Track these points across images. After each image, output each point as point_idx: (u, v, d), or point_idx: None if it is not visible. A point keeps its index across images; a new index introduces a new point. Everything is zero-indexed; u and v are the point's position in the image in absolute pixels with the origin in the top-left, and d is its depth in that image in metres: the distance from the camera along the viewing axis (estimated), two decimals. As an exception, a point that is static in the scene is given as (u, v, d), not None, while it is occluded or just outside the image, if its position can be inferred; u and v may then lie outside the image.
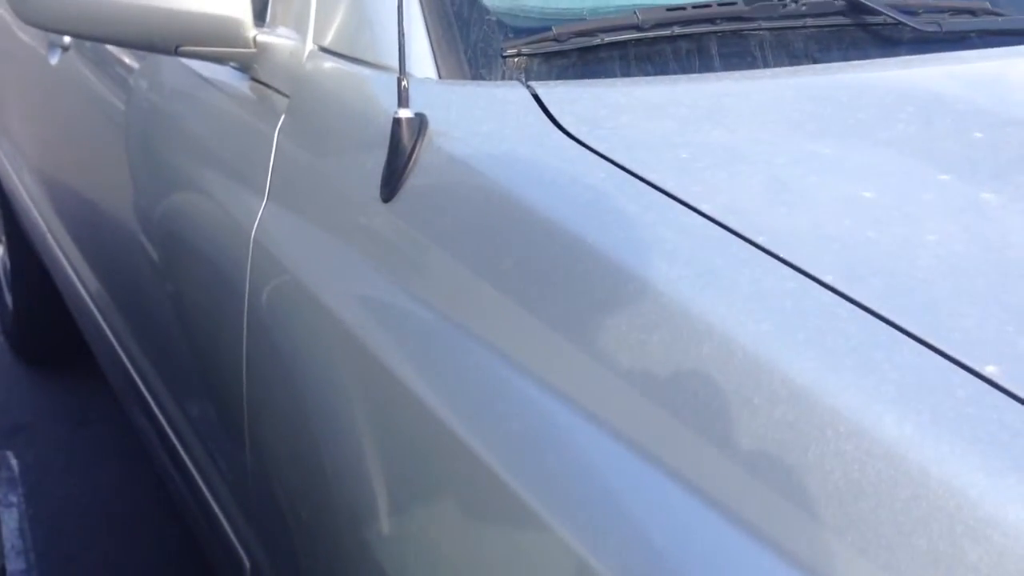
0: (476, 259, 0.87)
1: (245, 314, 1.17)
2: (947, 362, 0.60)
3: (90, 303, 1.94)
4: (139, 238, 1.59)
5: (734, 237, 0.73)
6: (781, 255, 0.70)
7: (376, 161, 1.00)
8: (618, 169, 0.83)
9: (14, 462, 2.46)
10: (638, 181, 0.81)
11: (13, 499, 2.38)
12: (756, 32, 1.06)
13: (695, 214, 0.76)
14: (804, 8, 1.07)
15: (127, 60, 1.67)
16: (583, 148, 0.87)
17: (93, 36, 1.22)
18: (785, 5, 1.06)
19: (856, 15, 1.08)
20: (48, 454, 2.52)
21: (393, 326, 0.94)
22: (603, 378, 0.73)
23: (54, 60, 1.88)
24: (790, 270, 0.69)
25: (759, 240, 0.72)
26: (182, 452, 1.50)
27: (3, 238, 2.95)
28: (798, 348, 0.63)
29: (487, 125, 0.94)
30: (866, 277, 0.68)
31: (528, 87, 0.97)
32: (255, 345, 1.16)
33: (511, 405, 0.77)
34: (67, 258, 2.06)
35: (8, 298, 2.93)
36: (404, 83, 0.95)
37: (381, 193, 0.97)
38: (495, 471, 0.75)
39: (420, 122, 0.96)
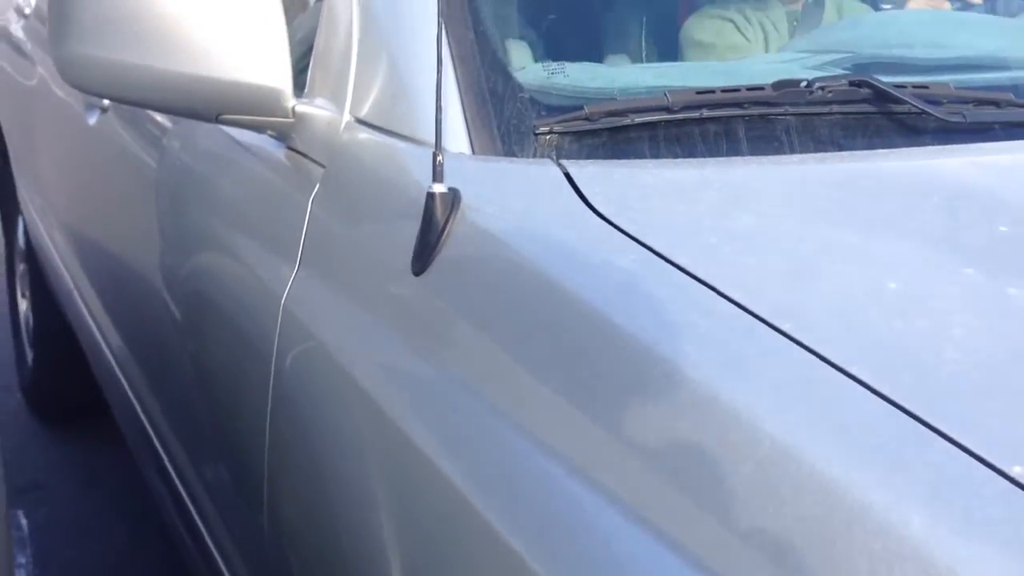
0: (505, 336, 0.88)
1: (271, 380, 1.18)
2: (975, 461, 0.61)
3: (112, 361, 1.95)
4: (164, 297, 1.61)
5: (762, 325, 0.74)
6: (809, 345, 0.71)
7: (408, 234, 1.01)
8: (648, 252, 0.85)
9: (24, 522, 2.45)
10: (668, 264, 0.83)
11: (22, 560, 2.36)
12: (783, 117, 1.08)
13: (724, 300, 0.77)
14: (830, 95, 1.09)
15: (162, 122, 1.70)
16: (614, 229, 0.89)
17: (136, 102, 1.26)
18: (812, 92, 1.08)
19: (881, 103, 1.10)
20: (59, 514, 2.52)
21: (420, 400, 0.95)
22: (629, 462, 0.73)
23: (92, 120, 1.93)
24: (817, 360, 0.70)
25: (786, 328, 0.73)
26: (195, 515, 1.50)
27: (28, 293, 2.98)
28: (826, 440, 0.64)
29: (519, 202, 0.96)
30: (894, 371, 0.69)
31: (560, 165, 0.99)
32: (279, 411, 1.17)
33: (537, 486, 0.77)
34: (92, 315, 2.09)
35: (29, 355, 2.95)
36: (440, 158, 0.98)
37: (413, 266, 0.99)
38: (519, 553, 0.75)
39: (453, 197, 0.98)
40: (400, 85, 1.15)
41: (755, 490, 0.64)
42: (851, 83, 1.10)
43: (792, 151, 1.06)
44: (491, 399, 0.86)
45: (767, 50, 1.47)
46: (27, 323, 3.00)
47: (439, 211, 0.98)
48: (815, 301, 0.77)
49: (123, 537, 2.44)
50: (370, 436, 0.99)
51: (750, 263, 0.83)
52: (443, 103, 1.01)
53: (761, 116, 1.08)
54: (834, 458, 0.63)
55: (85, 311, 2.13)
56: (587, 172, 0.98)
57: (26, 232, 2.84)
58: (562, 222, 0.92)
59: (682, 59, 1.46)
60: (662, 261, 0.83)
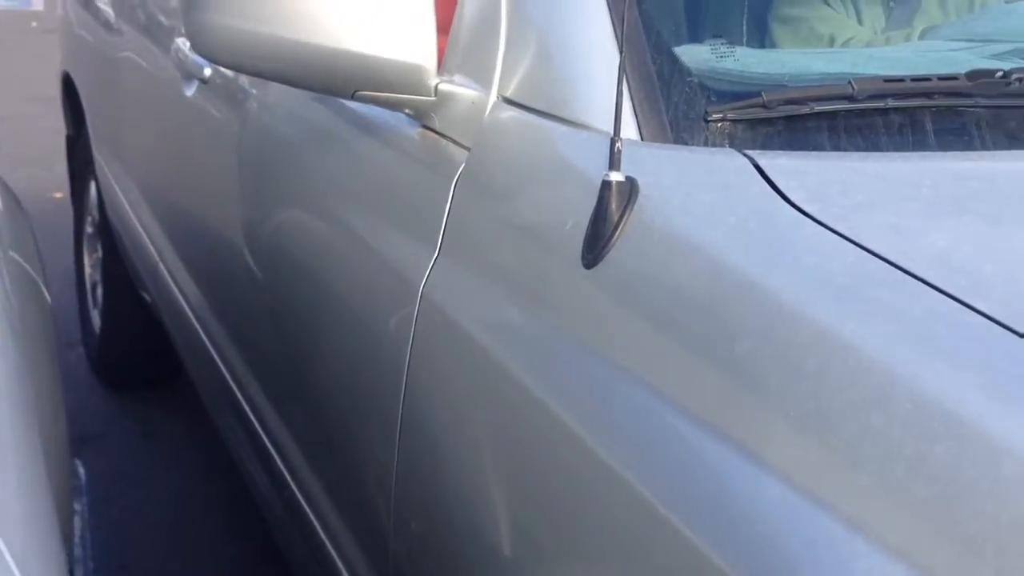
0: (699, 340, 0.82)
1: (406, 368, 1.12)
2: None
3: (202, 336, 1.91)
4: (268, 277, 1.56)
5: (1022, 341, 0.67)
6: None
7: (576, 224, 0.95)
8: (868, 254, 0.78)
9: (82, 470, 2.49)
10: (894, 269, 0.76)
11: (77, 507, 2.40)
12: (973, 109, 1.01)
13: (971, 312, 0.70)
14: (1028, 88, 1.01)
15: (264, 96, 1.64)
16: (822, 228, 0.82)
17: (270, 75, 1.20)
18: (1009, 83, 1.01)
19: None
20: (115, 464, 2.58)
21: (588, 399, 0.89)
22: (867, 490, 0.67)
23: (190, 92, 1.87)
24: None
25: None
26: (311, 517, 1.43)
27: (97, 255, 2.95)
28: None
29: (708, 195, 0.90)
30: None
31: (746, 156, 0.93)
32: (415, 401, 1.11)
33: (748, 507, 0.71)
34: (180, 289, 2.04)
35: (96, 319, 2.93)
36: (618, 145, 0.91)
37: (583, 259, 0.93)
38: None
39: (631, 186, 0.92)
40: (559, 65, 1.08)
41: None
42: (1052, 75, 1.02)
43: (984, 147, 0.99)
44: (674, 403, 0.80)
45: (860, 23, 1.38)
46: (93, 285, 2.99)
47: (615, 201, 0.91)
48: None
49: (176, 489, 2.49)
50: (532, 439, 0.94)
51: (990, 271, 0.76)
52: (609, 85, 0.95)
53: (950, 108, 1.01)
54: None
55: (173, 285, 2.08)
56: (778, 164, 0.91)
57: (99, 196, 2.81)
58: (760, 218, 0.85)
59: (774, 36, 1.36)
60: (887, 265, 0.76)
